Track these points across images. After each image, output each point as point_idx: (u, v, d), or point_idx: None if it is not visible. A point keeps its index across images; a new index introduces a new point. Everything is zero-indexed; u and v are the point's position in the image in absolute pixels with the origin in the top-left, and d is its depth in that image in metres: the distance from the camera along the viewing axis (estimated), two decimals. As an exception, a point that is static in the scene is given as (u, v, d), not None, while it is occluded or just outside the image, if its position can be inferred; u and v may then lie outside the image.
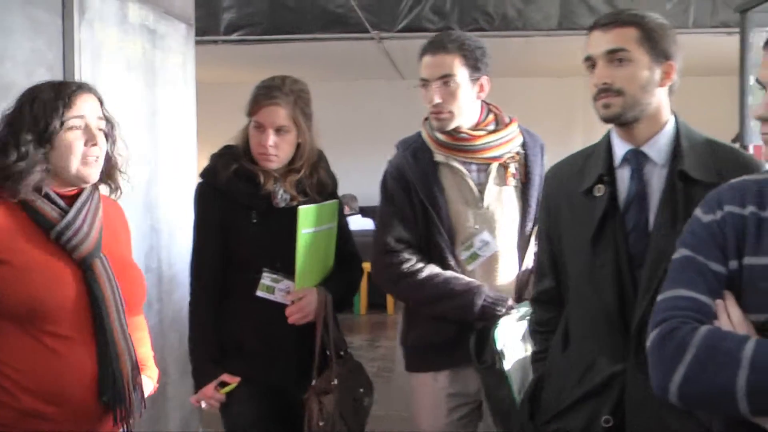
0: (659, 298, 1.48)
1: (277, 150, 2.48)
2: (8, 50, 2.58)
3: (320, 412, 2.44)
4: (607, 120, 1.87)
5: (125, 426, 2.02)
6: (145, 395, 2.14)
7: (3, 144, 1.89)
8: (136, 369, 2.05)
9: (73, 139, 1.92)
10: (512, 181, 2.52)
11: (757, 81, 1.43)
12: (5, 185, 1.88)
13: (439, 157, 2.52)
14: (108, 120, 2.04)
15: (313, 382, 2.47)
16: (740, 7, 4.76)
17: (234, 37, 7.32)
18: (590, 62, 1.87)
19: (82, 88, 2.00)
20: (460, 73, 2.43)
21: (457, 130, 2.49)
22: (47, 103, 1.91)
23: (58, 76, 2.81)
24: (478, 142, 2.49)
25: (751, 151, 4.61)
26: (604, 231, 1.83)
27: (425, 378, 2.56)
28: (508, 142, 2.52)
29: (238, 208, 2.51)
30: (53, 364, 1.88)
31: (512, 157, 2.52)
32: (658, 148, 1.85)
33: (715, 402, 1.32)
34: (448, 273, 2.46)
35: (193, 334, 2.58)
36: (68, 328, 1.90)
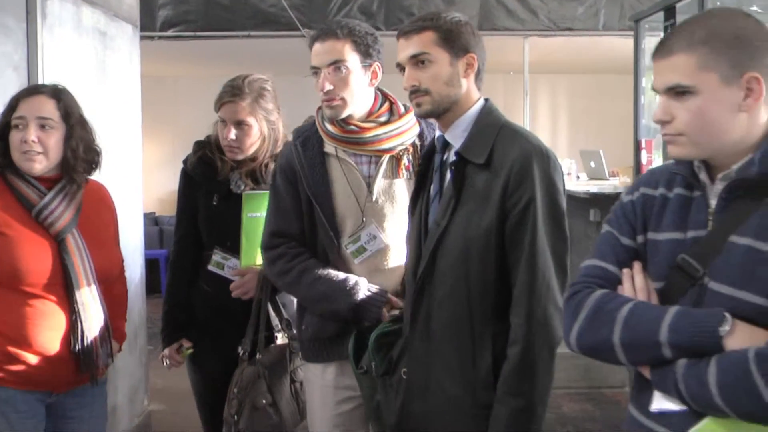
0: (580, 266, 1.66)
1: (238, 143, 2.73)
2: (-19, 53, 2.91)
3: (238, 381, 2.62)
4: (421, 117, 2.12)
5: (90, 375, 2.40)
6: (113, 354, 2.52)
7: None
8: (106, 328, 2.42)
9: (13, 135, 2.32)
10: (405, 174, 2.43)
11: (652, 88, 1.55)
12: None
13: (328, 147, 2.42)
14: (65, 119, 2.36)
15: (258, 356, 2.65)
16: (634, 17, 5.32)
17: (170, 33, 7.60)
18: (400, 67, 2.04)
19: (30, 92, 2.39)
20: (351, 58, 2.34)
21: (346, 122, 2.39)
22: (5, 107, 2.35)
23: (23, 77, 3.15)
24: (368, 134, 2.38)
25: (643, 145, 5.18)
26: (416, 204, 2.14)
27: (315, 369, 2.49)
28: (400, 134, 2.41)
29: (203, 191, 2.83)
30: (34, 319, 2.28)
31: (406, 149, 2.42)
32: (455, 134, 2.03)
33: (602, 353, 1.53)
34: (322, 271, 2.37)
35: (168, 304, 2.91)
36: (45, 289, 2.30)
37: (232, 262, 2.79)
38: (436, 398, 2.00)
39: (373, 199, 2.40)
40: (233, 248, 2.78)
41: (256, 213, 2.71)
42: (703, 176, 1.54)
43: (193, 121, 7.42)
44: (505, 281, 1.94)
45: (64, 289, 2.32)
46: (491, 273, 1.94)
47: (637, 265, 1.58)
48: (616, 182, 5.51)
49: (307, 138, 2.46)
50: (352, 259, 2.40)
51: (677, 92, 1.46)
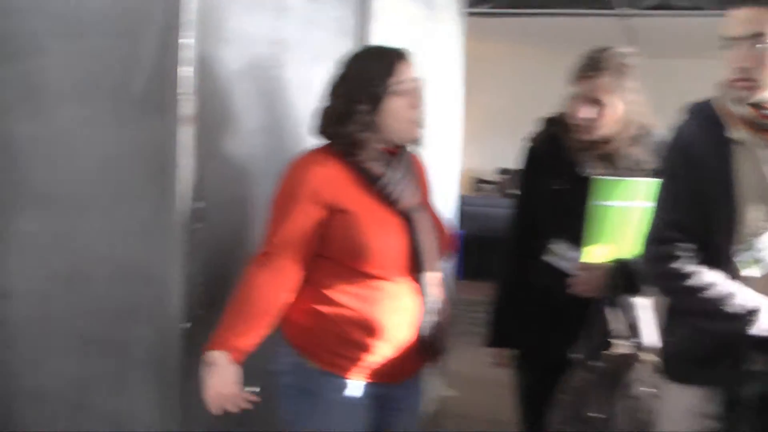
0: None
1: (590, 122, 2.51)
2: (320, 19, 2.88)
3: (567, 384, 2.45)
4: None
5: (435, 363, 2.27)
6: None
7: (341, 113, 2.12)
8: (446, 312, 2.25)
9: (397, 104, 2.11)
10: None
11: None
12: (348, 150, 2.11)
13: (735, 133, 2.05)
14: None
15: (592, 363, 2.45)
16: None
17: (479, 9, 7.47)
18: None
19: (401, 55, 2.17)
20: None
21: (763, 105, 2.02)
22: (374, 72, 2.11)
23: (356, 42, 3.06)
24: None
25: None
26: None
27: (675, 388, 2.21)
28: None
29: (546, 172, 2.62)
30: (378, 301, 2.10)
31: None
32: None
33: None
34: (726, 288, 2.02)
35: (500, 295, 2.79)
36: (391, 271, 2.11)
37: (572, 255, 2.52)
38: None
39: None
40: (574, 238, 2.50)
41: (605, 202, 2.44)
42: None
43: (492, 102, 7.36)
44: None
45: (411, 271, 2.15)
46: None
47: None
48: None
49: (704, 118, 2.11)
50: (740, 269, 2.01)
51: None
